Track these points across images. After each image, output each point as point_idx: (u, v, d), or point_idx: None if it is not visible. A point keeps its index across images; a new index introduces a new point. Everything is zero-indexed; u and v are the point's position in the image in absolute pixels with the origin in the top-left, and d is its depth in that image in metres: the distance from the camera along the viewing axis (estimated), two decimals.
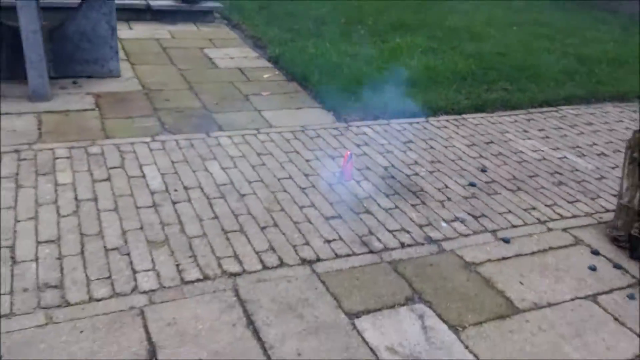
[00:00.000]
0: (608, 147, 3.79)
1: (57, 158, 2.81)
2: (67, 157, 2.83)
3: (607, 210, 2.94)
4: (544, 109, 4.39)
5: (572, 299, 2.25)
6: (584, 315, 2.17)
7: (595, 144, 3.83)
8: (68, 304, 1.89)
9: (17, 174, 2.63)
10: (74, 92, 3.64)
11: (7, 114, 3.24)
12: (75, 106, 3.44)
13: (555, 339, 2.02)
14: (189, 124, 3.39)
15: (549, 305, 2.20)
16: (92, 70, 3.86)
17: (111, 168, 2.78)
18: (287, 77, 4.37)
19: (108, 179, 2.68)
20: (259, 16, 5.86)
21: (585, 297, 2.27)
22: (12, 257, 2.08)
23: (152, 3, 5.41)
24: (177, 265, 2.15)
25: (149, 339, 1.79)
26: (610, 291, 2.33)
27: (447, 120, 3.92)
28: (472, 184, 3.07)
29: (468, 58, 5.04)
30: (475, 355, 1.90)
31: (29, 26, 3.22)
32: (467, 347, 1.93)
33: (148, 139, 3.12)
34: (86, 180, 2.65)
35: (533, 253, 2.52)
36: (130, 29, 5.14)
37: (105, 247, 2.20)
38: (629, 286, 2.37)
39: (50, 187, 2.56)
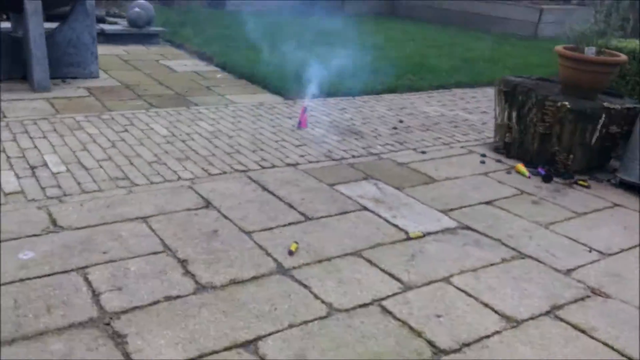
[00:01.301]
0: (488, 109, 5.05)
1: (80, 121, 3.58)
2: (87, 121, 3.60)
3: (489, 138, 4.12)
4: (440, 90, 5.64)
5: (471, 175, 3.34)
6: (479, 181, 3.26)
7: (479, 107, 5.10)
8: (137, 185, 2.71)
9: (54, 130, 3.38)
10: (67, 87, 4.38)
11: (21, 99, 3.94)
12: (74, 94, 4.20)
13: (462, 191, 3.08)
14: (170, 103, 4.24)
15: (456, 178, 3.27)
16: (76, 72, 4.62)
17: (125, 125, 3.59)
18: (236, 76, 5.33)
19: (126, 131, 3.49)
20: (198, 38, 6.79)
21: (479, 174, 3.37)
22: (84, 166, 2.86)
23: (105, 28, 6.21)
24: (202, 168, 3.01)
25: (201, 196, 2.65)
26: (495, 172, 3.45)
27: (369, 98, 5.04)
28: (394, 128, 4.16)
29: (379, 60, 6.27)
30: (413, 198, 2.91)
31: (36, 30, 3.97)
32: (407, 195, 2.94)
33: (143, 111, 3.95)
34: (110, 132, 3.44)
35: (442, 158, 3.61)
36: None
37: (146, 161, 3.03)
38: (505, 170, 3.51)
39: (85, 135, 3.33)
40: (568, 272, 2.31)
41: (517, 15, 10.08)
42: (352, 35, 8.00)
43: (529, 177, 3.38)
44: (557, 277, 2.27)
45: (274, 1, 10.18)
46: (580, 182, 3.35)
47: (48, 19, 4.61)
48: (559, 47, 3.59)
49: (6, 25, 5.09)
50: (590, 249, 2.52)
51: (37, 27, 3.97)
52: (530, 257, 2.42)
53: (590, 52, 3.46)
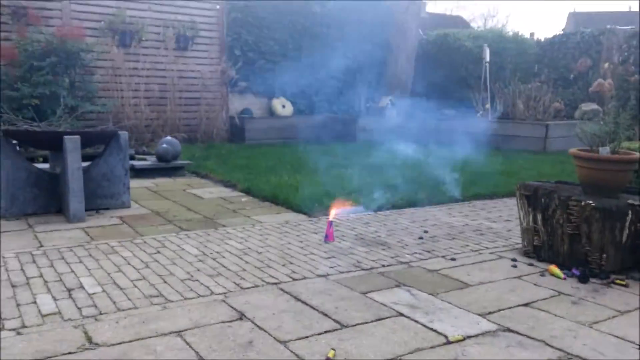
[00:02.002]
0: (510, 217, 5.08)
1: (114, 247, 3.67)
2: (121, 246, 3.69)
3: (517, 244, 4.11)
4: (459, 203, 5.73)
5: (505, 279, 3.29)
6: (514, 284, 3.21)
7: (501, 216, 5.13)
8: (171, 301, 2.72)
9: (90, 255, 3.46)
10: (100, 217, 4.54)
11: (57, 230, 4.08)
12: (107, 223, 4.34)
13: (498, 294, 3.03)
14: (199, 226, 4.35)
15: (491, 282, 3.23)
16: (109, 203, 4.81)
17: (157, 248, 3.67)
18: (260, 199, 5.50)
19: (158, 252, 3.56)
20: (221, 169, 7.11)
21: (513, 278, 3.33)
22: (119, 287, 2.89)
23: (135, 164, 6.55)
24: (234, 283, 3.02)
25: (234, 309, 2.64)
26: (528, 275, 3.40)
27: (390, 212, 5.12)
28: (420, 238, 4.18)
29: (396, 177, 6.45)
30: (449, 302, 2.86)
31: (74, 165, 4.23)
32: (442, 300, 2.89)
33: (174, 234, 4.05)
34: (143, 254, 3.51)
35: (473, 264, 3.59)
36: None
37: (179, 278, 3.05)
38: (539, 272, 3.46)
39: (119, 258, 3.40)
40: None
41: (525, 133, 10.47)
42: (364, 158, 8.33)
43: (564, 279, 3.32)
44: None
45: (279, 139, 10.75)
46: (618, 282, 3.27)
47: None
48: (574, 150, 3.71)
49: (43, 165, 5.42)
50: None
51: (75, 162, 4.23)
52: (578, 356, 2.31)
53: (604, 151, 3.56)
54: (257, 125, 10.52)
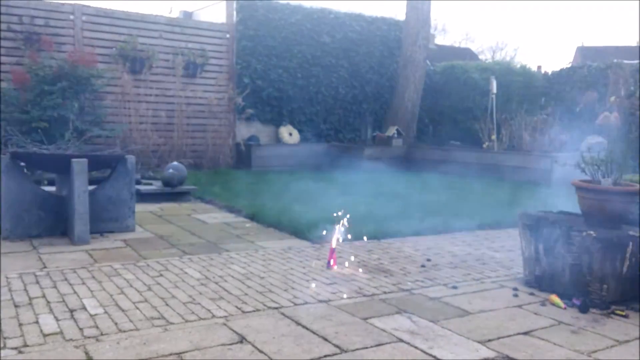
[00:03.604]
0: (513, 247, 5.06)
1: (117, 269, 3.70)
2: (124, 268, 3.72)
3: (519, 274, 4.10)
4: (463, 232, 5.73)
5: (505, 307, 3.29)
6: (514, 313, 3.20)
7: (504, 246, 5.13)
8: (172, 323, 2.73)
9: (93, 277, 3.49)
10: (104, 240, 4.59)
11: (61, 252, 4.12)
12: (111, 246, 4.38)
13: (498, 322, 3.02)
14: (202, 250, 4.38)
15: (491, 310, 3.22)
16: (114, 226, 4.85)
17: (160, 271, 3.69)
18: (264, 225, 5.53)
19: (161, 276, 3.58)
20: (226, 194, 7.17)
21: (514, 307, 3.32)
22: (120, 308, 2.91)
23: (141, 188, 6.62)
24: (235, 306, 3.04)
25: (235, 332, 2.65)
26: (529, 304, 3.40)
27: (394, 240, 5.13)
28: (423, 266, 4.19)
29: (401, 205, 6.48)
30: (449, 330, 2.86)
31: (81, 188, 4.29)
32: (442, 327, 2.89)
33: (177, 258, 4.08)
34: (146, 276, 3.54)
35: (474, 292, 3.59)
36: None
37: (181, 301, 3.07)
38: (540, 301, 3.45)
39: (122, 280, 3.43)
40: None
41: (531, 164, 10.49)
42: (371, 185, 8.37)
43: (565, 308, 3.31)
44: None
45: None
46: (618, 312, 3.27)
47: None
48: (576, 181, 3.73)
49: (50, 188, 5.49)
50: None
51: (82, 184, 4.29)
52: None
53: (606, 183, 3.59)
54: (264, 152, 10.62)
